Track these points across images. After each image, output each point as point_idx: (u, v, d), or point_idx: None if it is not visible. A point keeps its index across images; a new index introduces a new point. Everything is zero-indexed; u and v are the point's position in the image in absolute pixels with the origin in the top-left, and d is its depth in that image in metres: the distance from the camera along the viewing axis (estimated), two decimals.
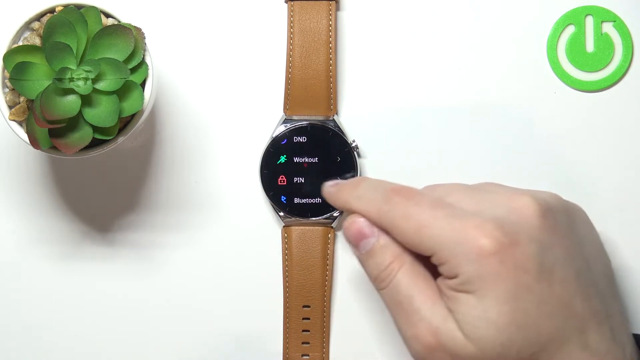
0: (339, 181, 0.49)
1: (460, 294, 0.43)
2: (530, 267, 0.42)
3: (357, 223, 0.46)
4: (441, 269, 0.43)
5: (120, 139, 0.50)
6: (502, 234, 0.42)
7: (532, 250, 0.42)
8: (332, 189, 0.48)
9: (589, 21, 0.56)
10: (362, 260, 0.47)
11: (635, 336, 0.47)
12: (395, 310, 0.45)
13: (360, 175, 0.55)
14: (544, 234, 0.43)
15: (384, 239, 0.45)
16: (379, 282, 0.46)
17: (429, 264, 0.45)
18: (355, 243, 0.46)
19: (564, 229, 0.44)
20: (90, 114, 0.48)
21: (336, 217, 0.55)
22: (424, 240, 0.43)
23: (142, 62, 0.49)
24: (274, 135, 0.55)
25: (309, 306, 0.56)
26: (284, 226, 0.56)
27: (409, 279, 0.45)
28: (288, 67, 0.55)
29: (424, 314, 0.44)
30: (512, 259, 0.42)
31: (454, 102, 0.56)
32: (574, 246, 0.44)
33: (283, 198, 0.55)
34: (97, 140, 0.49)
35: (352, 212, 0.47)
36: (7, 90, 0.49)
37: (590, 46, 0.56)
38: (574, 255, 0.44)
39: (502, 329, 0.42)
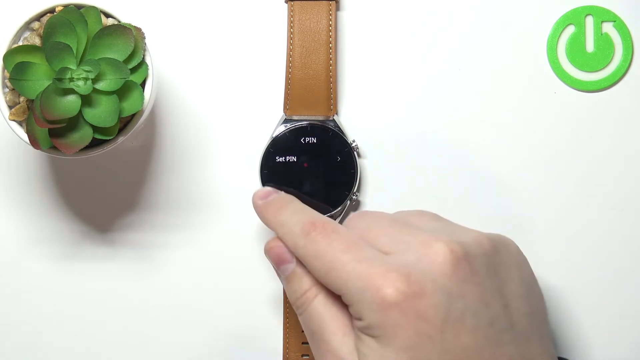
0: (267, 192, 0.50)
1: (364, 335, 0.43)
2: (433, 317, 0.42)
3: (277, 249, 0.47)
4: (350, 309, 0.44)
5: (120, 139, 0.50)
6: (406, 285, 0.42)
7: (437, 301, 0.42)
8: (260, 202, 0.50)
9: (589, 21, 0.56)
10: (283, 284, 0.48)
11: None
12: (309, 337, 0.46)
13: (359, 175, 0.55)
14: (453, 282, 0.43)
15: (301, 268, 0.47)
16: (296, 307, 0.47)
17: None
18: (276, 266, 0.48)
19: (480, 276, 0.43)
20: (90, 114, 0.48)
21: (336, 217, 0.55)
22: (332, 281, 0.44)
23: (142, 62, 0.49)
24: (274, 135, 0.55)
25: None
26: None
27: (322, 309, 0.45)
28: (288, 67, 0.55)
29: (333, 345, 0.45)
30: (413, 310, 0.42)
31: (454, 102, 0.56)
32: (491, 291, 0.44)
33: None
34: (97, 140, 0.49)
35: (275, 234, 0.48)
36: (7, 90, 0.49)
37: (590, 46, 0.56)
38: (490, 302, 0.43)
39: None
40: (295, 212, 0.48)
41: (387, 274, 0.42)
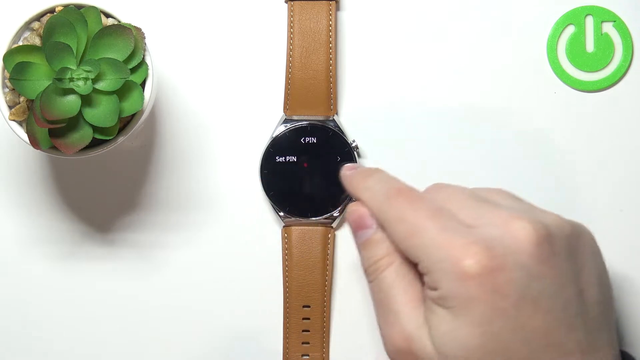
0: (356, 165, 0.50)
1: (437, 307, 0.43)
2: (510, 293, 0.42)
3: (359, 212, 0.47)
4: (425, 278, 0.44)
5: (120, 139, 0.50)
6: (488, 258, 0.42)
7: (516, 277, 0.42)
8: (348, 172, 0.49)
9: (589, 21, 0.56)
10: (358, 249, 0.47)
11: (624, 354, 0.47)
12: (377, 305, 0.46)
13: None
14: (534, 262, 0.42)
15: (380, 234, 0.46)
16: (367, 274, 0.46)
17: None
18: (355, 230, 0.47)
19: (559, 257, 0.43)
20: (90, 114, 0.48)
21: (336, 217, 0.56)
22: (412, 247, 0.44)
23: (142, 62, 0.49)
24: (274, 135, 0.55)
25: (309, 306, 0.56)
26: (284, 226, 0.56)
27: (394, 278, 0.45)
28: (288, 67, 0.55)
29: (401, 317, 0.44)
30: (491, 284, 0.42)
31: (454, 102, 0.56)
32: (568, 275, 0.44)
33: (283, 198, 0.55)
34: (97, 140, 0.49)
35: (358, 200, 0.47)
36: (7, 90, 0.49)
37: (590, 46, 0.56)
38: (565, 285, 0.43)
39: (469, 350, 0.42)
40: (381, 179, 0.47)
41: (469, 245, 0.42)
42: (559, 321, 0.42)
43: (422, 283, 0.44)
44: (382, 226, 0.46)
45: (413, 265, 0.45)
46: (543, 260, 0.43)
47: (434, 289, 0.43)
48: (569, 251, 0.44)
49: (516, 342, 0.42)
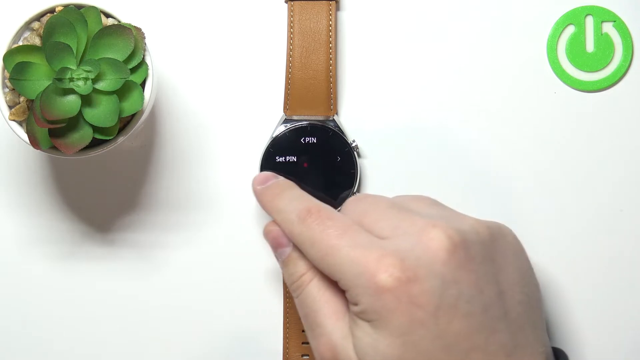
0: (266, 177, 0.50)
1: (359, 319, 0.44)
2: (426, 302, 0.42)
3: (274, 232, 0.48)
4: (346, 295, 0.45)
5: (120, 139, 0.50)
6: (400, 270, 0.42)
7: (430, 286, 0.42)
8: (257, 188, 0.50)
9: (589, 21, 0.56)
10: (281, 266, 0.49)
11: (556, 351, 0.47)
12: (304, 320, 0.47)
13: (359, 175, 0.55)
14: (448, 269, 0.43)
15: (297, 252, 0.47)
16: (292, 290, 0.48)
17: None
18: (274, 249, 0.48)
19: (476, 262, 0.44)
20: (90, 114, 0.48)
21: None
22: (328, 267, 0.45)
23: (142, 62, 0.49)
24: (274, 135, 0.55)
25: None
26: None
27: (316, 293, 0.46)
28: (288, 67, 0.55)
29: (326, 329, 0.45)
30: (407, 295, 0.42)
31: (454, 102, 0.56)
32: (486, 277, 0.44)
33: None
34: (97, 140, 0.49)
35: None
36: (7, 90, 0.49)
37: (590, 46, 0.56)
38: (484, 288, 0.44)
39: None
40: (292, 199, 0.48)
41: (382, 259, 0.43)
42: (479, 324, 0.43)
43: (344, 293, 0.45)
44: (297, 247, 0.47)
45: (334, 281, 0.45)
46: (458, 266, 0.43)
47: (355, 304, 0.44)
48: (486, 254, 0.44)
49: (437, 350, 0.42)
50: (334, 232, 0.45)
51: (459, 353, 0.42)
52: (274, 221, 0.48)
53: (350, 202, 0.48)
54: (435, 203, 0.48)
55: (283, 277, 0.55)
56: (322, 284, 0.46)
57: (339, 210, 0.48)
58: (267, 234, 0.49)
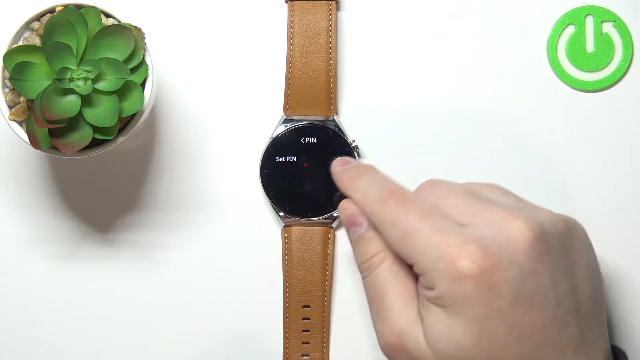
0: (347, 160, 0.50)
1: (432, 305, 0.43)
2: (505, 292, 0.42)
3: (350, 209, 0.47)
4: (420, 279, 0.44)
5: (120, 139, 0.50)
6: (483, 258, 0.42)
7: (510, 276, 0.42)
8: (338, 169, 0.49)
9: (589, 21, 0.56)
10: (352, 245, 0.48)
11: (614, 349, 0.47)
12: (370, 302, 0.46)
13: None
14: (529, 261, 0.43)
15: (372, 232, 0.46)
16: (361, 270, 0.47)
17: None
18: (347, 227, 0.47)
19: (554, 255, 0.44)
20: (90, 114, 0.48)
21: (336, 217, 0.55)
22: (407, 249, 0.44)
23: (142, 62, 0.49)
24: (274, 135, 0.55)
25: (309, 306, 0.56)
26: (284, 226, 0.56)
27: (387, 275, 0.45)
28: (288, 67, 0.55)
29: (393, 313, 0.45)
30: (487, 283, 0.42)
31: (454, 102, 0.56)
32: (562, 272, 0.44)
33: (283, 198, 0.55)
34: (97, 140, 0.49)
35: (350, 198, 0.48)
36: (7, 90, 0.49)
37: (590, 46, 0.56)
38: (560, 282, 0.44)
39: (464, 349, 0.42)
40: (375, 180, 0.47)
41: (464, 245, 0.42)
42: (553, 318, 0.43)
43: (416, 280, 0.45)
44: (375, 228, 0.46)
45: (406, 263, 0.45)
46: (538, 259, 0.43)
47: (430, 288, 0.43)
48: (563, 248, 0.44)
49: (511, 340, 0.42)
50: (416, 214, 0.44)
51: (531, 345, 0.42)
52: (351, 200, 0.47)
53: (425, 187, 0.47)
54: (508, 192, 0.47)
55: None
56: (393, 267, 0.45)
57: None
58: (342, 211, 0.48)
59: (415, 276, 0.45)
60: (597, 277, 0.46)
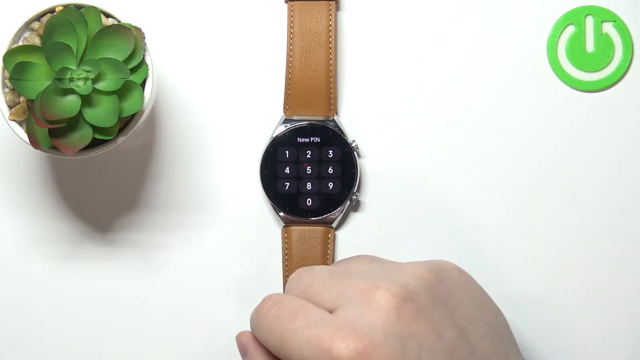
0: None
1: None
2: None
3: (238, 339, 0.48)
4: None
5: (120, 139, 0.50)
6: (355, 340, 0.42)
7: (390, 348, 0.42)
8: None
9: (589, 21, 0.56)
10: None
11: None
12: None
13: (359, 175, 0.55)
14: (402, 326, 0.42)
15: (256, 352, 0.47)
16: None
17: None
18: (242, 354, 0.48)
19: (427, 310, 0.43)
20: (90, 114, 0.48)
21: (336, 217, 0.55)
22: (286, 353, 0.44)
23: (142, 62, 0.49)
24: (274, 135, 0.55)
25: None
26: (284, 226, 0.56)
27: None
28: (288, 67, 0.55)
29: None
30: None
31: (454, 102, 0.56)
32: (443, 322, 0.43)
33: (283, 198, 0.55)
34: (97, 140, 0.49)
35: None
36: (7, 90, 0.49)
37: (590, 46, 0.56)
38: (443, 333, 0.43)
39: None
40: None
41: (335, 333, 0.42)
42: None
43: None
44: (260, 344, 0.46)
45: None
46: (410, 320, 0.43)
47: None
48: (436, 298, 0.44)
49: None
50: (286, 316, 0.44)
51: None
52: (243, 332, 0.48)
53: (293, 279, 0.47)
54: (373, 259, 0.48)
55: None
56: None
57: (284, 287, 0.47)
58: (237, 338, 0.48)
59: None
60: (488, 310, 0.46)
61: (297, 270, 0.48)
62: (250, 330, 0.48)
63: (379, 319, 0.42)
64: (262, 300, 0.46)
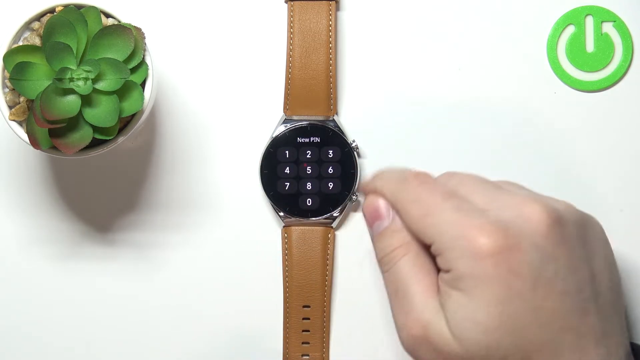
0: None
1: (452, 290, 0.43)
2: (525, 274, 0.42)
3: (375, 203, 0.47)
4: (438, 260, 0.44)
5: (120, 139, 0.50)
6: (503, 237, 0.42)
7: (531, 258, 0.42)
8: (363, 182, 0.49)
9: (589, 21, 0.56)
10: (373, 241, 0.47)
11: (634, 346, 0.47)
12: (392, 295, 0.46)
13: (359, 175, 0.55)
14: (548, 244, 0.42)
15: (396, 224, 0.46)
16: (382, 264, 0.46)
17: (435, 260, 0.45)
18: (370, 222, 0.47)
19: (572, 241, 0.44)
20: (90, 114, 0.48)
21: (336, 217, 0.56)
22: (427, 227, 0.44)
23: (142, 62, 0.49)
24: (274, 135, 0.55)
25: (309, 306, 0.56)
26: (284, 226, 0.56)
27: (410, 268, 0.45)
28: (288, 67, 0.55)
29: (417, 305, 0.44)
30: (507, 264, 0.42)
31: (454, 102, 0.56)
32: (581, 260, 0.44)
33: (283, 198, 0.55)
34: (97, 140, 0.49)
35: (373, 189, 0.47)
36: (7, 90, 0.49)
37: (590, 46, 0.56)
38: (579, 269, 0.43)
39: (488, 332, 0.42)
40: (395, 169, 0.47)
41: (484, 225, 0.42)
42: (573, 304, 0.42)
43: (437, 272, 0.44)
44: (396, 209, 0.46)
45: (429, 256, 0.45)
46: (557, 243, 0.43)
47: (448, 270, 0.43)
48: (580, 236, 0.44)
49: (533, 324, 0.42)
50: (437, 194, 0.44)
51: (553, 331, 0.42)
52: (375, 194, 0.47)
53: (443, 176, 0.47)
54: (523, 187, 0.47)
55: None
56: (416, 260, 0.45)
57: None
58: (367, 206, 0.47)
59: (437, 269, 0.44)
60: (615, 271, 0.46)
61: (446, 172, 0.47)
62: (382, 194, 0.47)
63: (529, 229, 0.42)
64: (408, 172, 0.46)
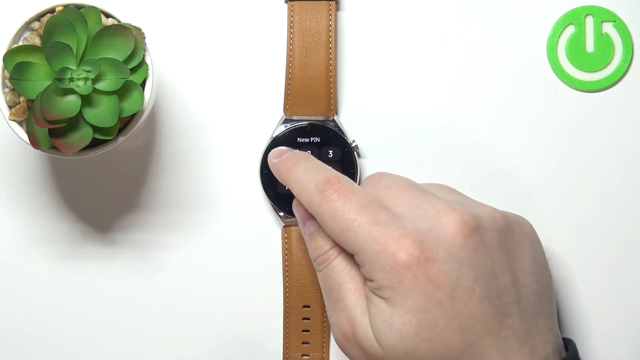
0: (282, 151, 0.51)
1: (375, 297, 0.44)
2: (443, 283, 0.43)
3: (298, 208, 0.49)
4: (362, 270, 0.45)
5: (120, 139, 0.50)
6: (419, 250, 0.43)
7: (448, 268, 0.43)
8: (274, 161, 0.50)
9: (589, 21, 0.56)
10: (306, 239, 0.49)
11: (565, 340, 0.47)
12: (326, 294, 0.47)
13: (359, 175, 0.55)
14: (465, 253, 0.44)
15: None
16: (317, 264, 0.48)
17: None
18: (302, 222, 0.49)
19: (492, 248, 0.45)
20: (90, 114, 0.48)
21: None
22: (347, 242, 0.45)
23: (142, 62, 0.49)
24: (274, 135, 0.55)
25: (309, 306, 0.56)
26: (284, 226, 0.56)
27: (342, 268, 0.47)
28: (288, 67, 0.55)
29: (348, 304, 0.46)
30: (425, 275, 0.43)
31: (454, 102, 0.56)
32: (501, 265, 0.45)
33: (283, 198, 0.55)
34: (97, 140, 0.49)
35: (286, 182, 0.49)
36: (7, 90, 0.49)
37: (590, 46, 0.56)
38: (499, 274, 0.44)
39: (406, 339, 0.43)
40: (309, 169, 0.48)
41: (402, 238, 0.43)
42: (494, 308, 0.44)
43: None
44: (316, 219, 0.47)
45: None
46: (473, 251, 0.44)
47: (371, 280, 0.44)
48: (503, 242, 0.45)
49: (452, 330, 0.43)
50: (354, 207, 0.45)
51: (473, 336, 0.43)
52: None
53: (371, 177, 0.48)
54: (454, 190, 0.49)
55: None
56: (348, 260, 0.47)
57: (359, 184, 0.48)
58: (296, 207, 0.49)
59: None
60: (544, 272, 0.47)
61: (376, 173, 0.49)
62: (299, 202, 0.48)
63: (446, 239, 0.44)
64: (324, 178, 0.46)
